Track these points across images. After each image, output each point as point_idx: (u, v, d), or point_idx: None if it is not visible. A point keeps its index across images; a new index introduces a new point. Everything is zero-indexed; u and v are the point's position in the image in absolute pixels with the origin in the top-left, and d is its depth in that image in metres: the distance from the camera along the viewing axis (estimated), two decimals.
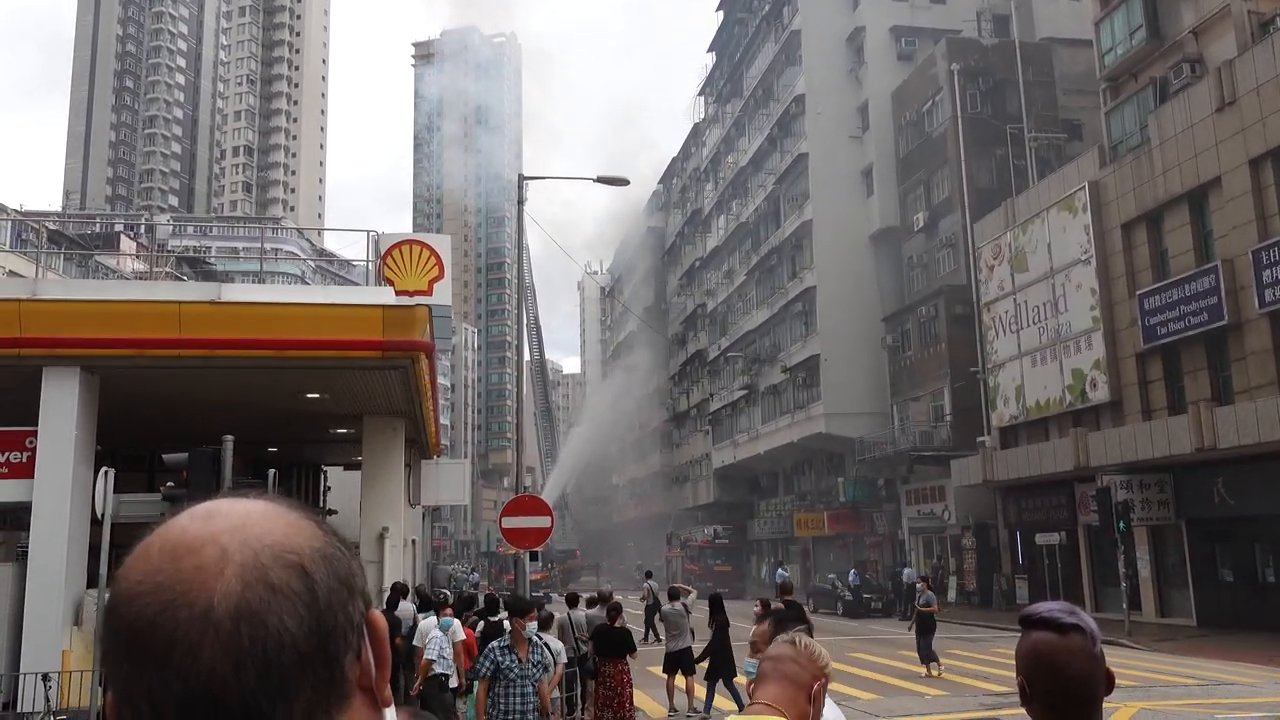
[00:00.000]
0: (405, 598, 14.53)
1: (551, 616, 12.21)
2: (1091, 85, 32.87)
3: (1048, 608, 2.06)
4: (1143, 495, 25.46)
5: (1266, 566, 24.02)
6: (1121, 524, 23.98)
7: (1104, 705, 1.95)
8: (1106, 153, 28.97)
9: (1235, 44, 24.77)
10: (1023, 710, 1.99)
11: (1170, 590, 26.88)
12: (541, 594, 39.60)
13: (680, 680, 14.32)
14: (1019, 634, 2.01)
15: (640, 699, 13.02)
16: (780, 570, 33.46)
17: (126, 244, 62.46)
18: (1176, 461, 24.21)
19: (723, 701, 13.20)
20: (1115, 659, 18.70)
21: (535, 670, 7.63)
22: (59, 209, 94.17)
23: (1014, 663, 2.02)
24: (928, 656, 17.70)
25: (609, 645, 11.68)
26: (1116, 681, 1.98)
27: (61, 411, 12.15)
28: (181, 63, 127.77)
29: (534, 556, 17.81)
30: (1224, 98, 23.80)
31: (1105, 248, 28.27)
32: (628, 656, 11.73)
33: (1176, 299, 25.24)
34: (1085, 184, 28.83)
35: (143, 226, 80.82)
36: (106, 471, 11.04)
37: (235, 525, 0.75)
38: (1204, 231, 25.25)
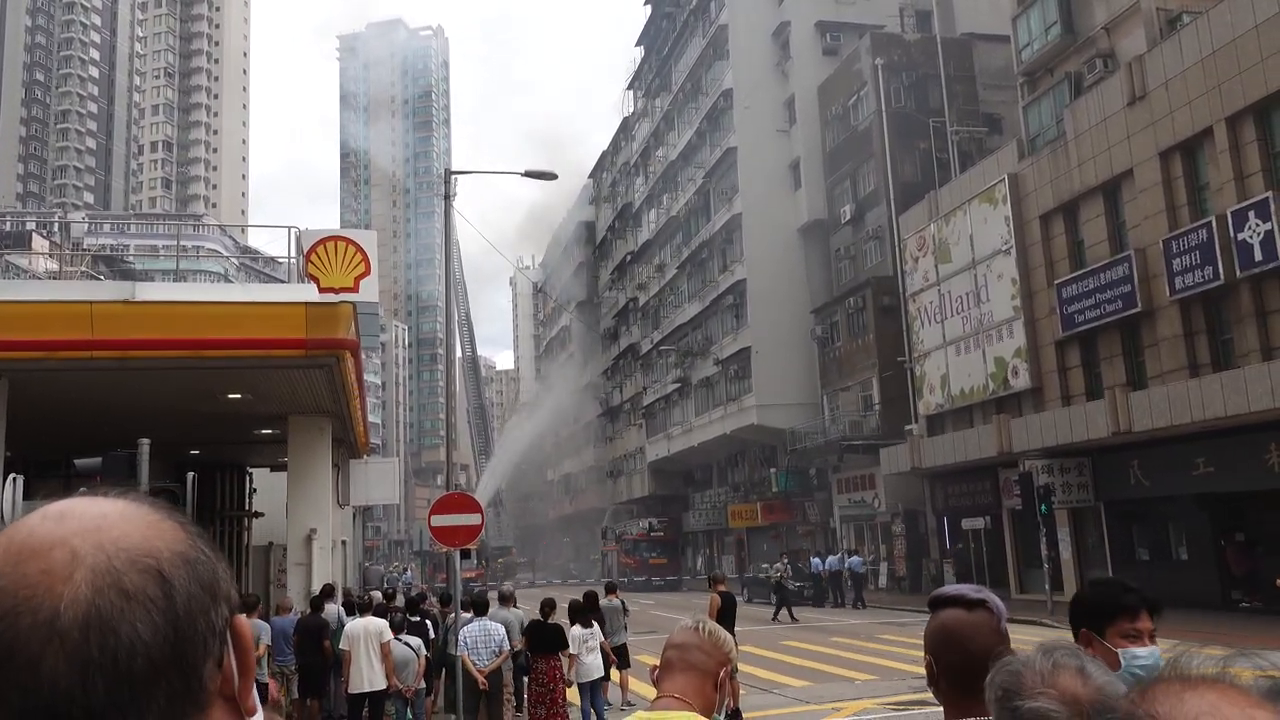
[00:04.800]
0: (331, 600, 14.31)
1: (487, 605, 12.34)
2: (1010, 80, 33.59)
3: (956, 587, 2.11)
4: (1063, 479, 26.17)
5: (1179, 545, 24.88)
6: (1043, 507, 24.65)
7: None
8: (1025, 145, 29.65)
9: (1145, 39, 25.51)
10: None
11: (1091, 570, 27.63)
12: (481, 588, 39.38)
13: (615, 674, 14.34)
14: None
15: (573, 694, 12.99)
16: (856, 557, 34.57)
17: (39, 243, 60.36)
18: (1094, 445, 24.92)
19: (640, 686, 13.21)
20: (1039, 638, 19.16)
21: None
22: None
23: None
24: None
25: (541, 641, 11.64)
26: None
27: None
28: (95, 55, 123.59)
29: (465, 554, 17.65)
30: (1135, 92, 24.51)
31: (1024, 238, 28.95)
32: (560, 653, 11.70)
33: (1092, 288, 25.96)
34: (1005, 176, 29.48)
35: (56, 224, 78.17)
36: (15, 478, 10.65)
37: (89, 527, 0.71)
38: (1118, 222, 25.99)
